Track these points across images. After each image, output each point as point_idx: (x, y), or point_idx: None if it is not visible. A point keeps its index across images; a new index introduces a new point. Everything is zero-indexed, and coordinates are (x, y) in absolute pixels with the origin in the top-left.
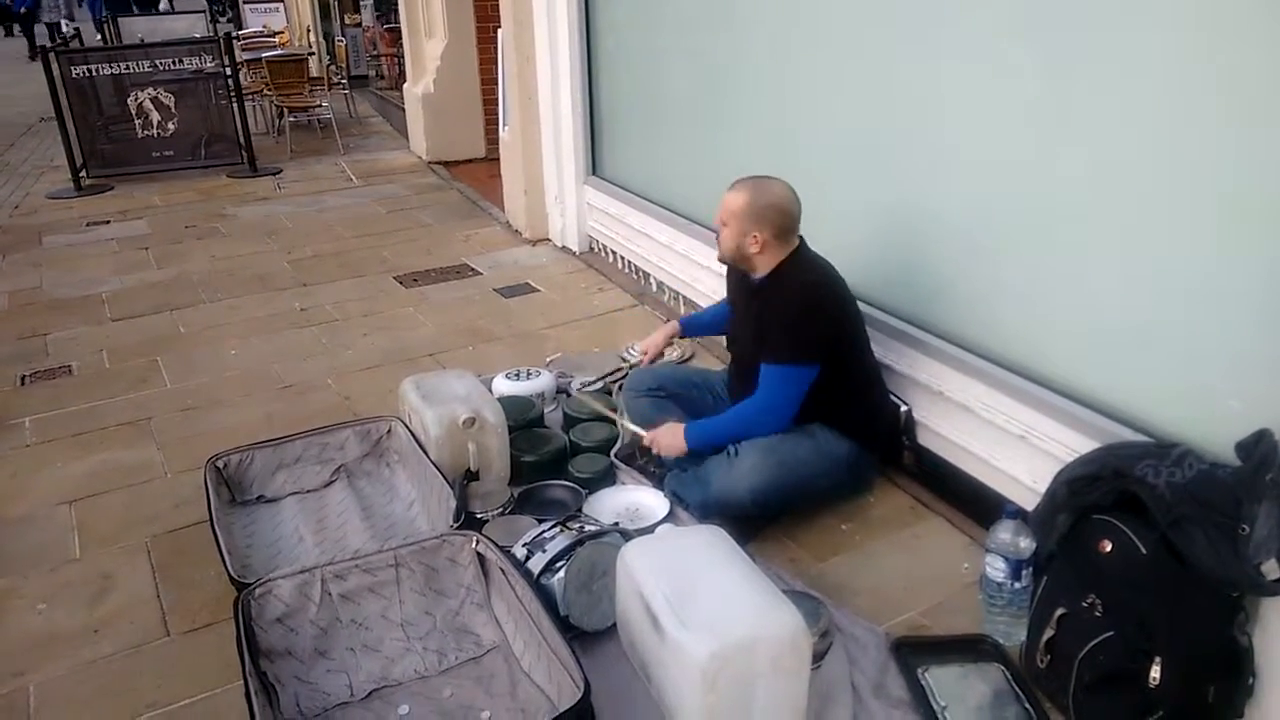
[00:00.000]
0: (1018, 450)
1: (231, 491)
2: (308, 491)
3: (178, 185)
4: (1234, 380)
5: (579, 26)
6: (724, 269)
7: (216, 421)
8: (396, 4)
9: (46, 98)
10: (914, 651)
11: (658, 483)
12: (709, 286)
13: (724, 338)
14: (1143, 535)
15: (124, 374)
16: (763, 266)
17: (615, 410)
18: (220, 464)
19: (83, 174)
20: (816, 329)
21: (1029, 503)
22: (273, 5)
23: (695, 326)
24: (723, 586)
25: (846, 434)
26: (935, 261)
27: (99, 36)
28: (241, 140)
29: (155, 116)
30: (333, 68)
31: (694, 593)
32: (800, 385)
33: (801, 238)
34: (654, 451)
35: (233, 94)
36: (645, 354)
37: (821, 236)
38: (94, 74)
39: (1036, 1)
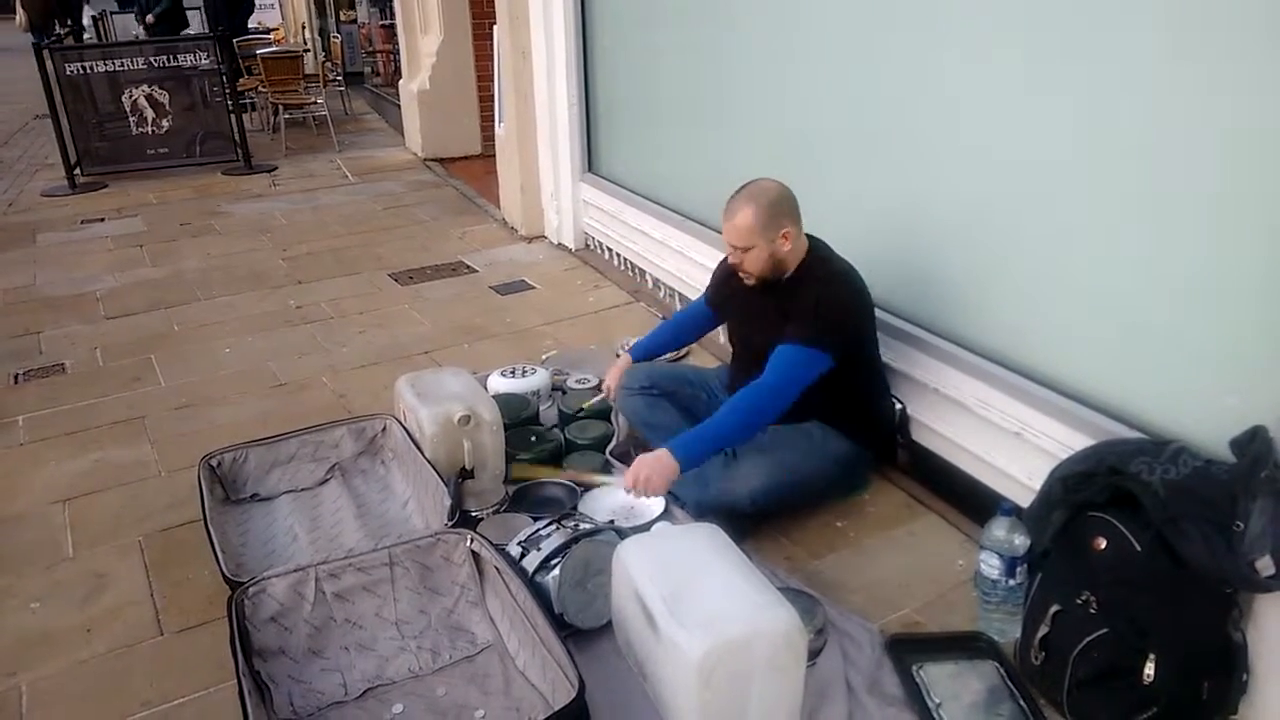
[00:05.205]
0: (1013, 447)
1: (225, 490)
2: (302, 490)
3: (172, 183)
4: (1229, 377)
5: (575, 22)
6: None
7: (211, 420)
8: (392, 0)
9: (41, 95)
10: (909, 649)
11: None
12: (704, 283)
13: (723, 336)
14: (1137, 532)
15: (118, 372)
16: (793, 260)
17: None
18: (214, 462)
19: (77, 171)
20: (842, 318)
21: (1024, 500)
22: (268, 1)
23: (647, 350)
24: (718, 584)
25: (845, 433)
26: (932, 258)
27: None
28: (236, 137)
29: (150, 114)
30: (328, 64)
31: (690, 590)
32: (810, 371)
33: (820, 239)
34: (643, 493)
35: (227, 91)
36: (609, 392)
37: (818, 233)
38: (88, 71)
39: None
